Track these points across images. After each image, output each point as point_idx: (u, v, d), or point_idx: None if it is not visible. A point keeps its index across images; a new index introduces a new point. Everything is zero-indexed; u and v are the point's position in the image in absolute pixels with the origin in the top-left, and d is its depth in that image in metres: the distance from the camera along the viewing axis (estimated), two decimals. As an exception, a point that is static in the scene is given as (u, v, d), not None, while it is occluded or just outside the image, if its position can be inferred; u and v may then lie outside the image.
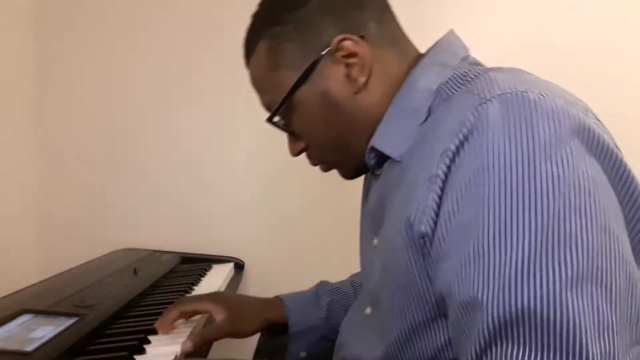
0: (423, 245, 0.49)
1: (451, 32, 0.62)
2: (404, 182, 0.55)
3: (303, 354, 0.82)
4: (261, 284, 1.40)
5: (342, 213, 1.41)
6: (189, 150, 1.42)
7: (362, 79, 0.58)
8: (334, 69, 0.59)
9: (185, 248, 1.38)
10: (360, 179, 0.75)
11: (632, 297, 0.42)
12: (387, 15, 0.62)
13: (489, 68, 0.55)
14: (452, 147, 0.46)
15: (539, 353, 0.38)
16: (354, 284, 0.88)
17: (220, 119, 1.41)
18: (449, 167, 0.47)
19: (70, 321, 0.71)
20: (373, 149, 0.60)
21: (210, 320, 0.77)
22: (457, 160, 0.46)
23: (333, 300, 0.84)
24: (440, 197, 0.47)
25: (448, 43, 0.60)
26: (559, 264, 0.39)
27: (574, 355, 0.37)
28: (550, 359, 0.37)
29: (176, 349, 0.69)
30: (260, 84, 0.65)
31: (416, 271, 0.50)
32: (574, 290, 0.38)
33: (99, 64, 1.40)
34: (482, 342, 0.40)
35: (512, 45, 1.33)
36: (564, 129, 0.44)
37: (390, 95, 0.59)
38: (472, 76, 0.53)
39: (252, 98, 0.67)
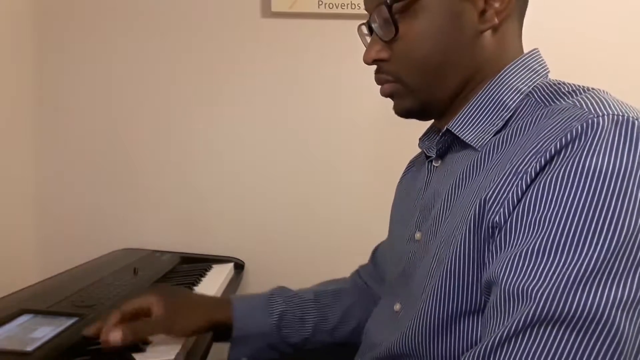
0: (490, 235, 0.49)
1: (536, 50, 0.62)
2: (481, 172, 0.55)
3: None
4: (261, 284, 1.39)
5: (342, 213, 1.42)
6: (189, 151, 1.42)
7: (495, 21, 0.58)
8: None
9: (185, 248, 1.38)
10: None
11: None
12: (526, 3, 0.63)
13: (585, 87, 0.55)
14: (552, 149, 0.46)
15: (573, 352, 0.38)
16: (318, 294, 0.85)
17: (220, 120, 1.41)
18: (542, 167, 0.47)
19: (70, 321, 0.71)
20: (449, 132, 0.60)
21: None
22: (553, 162, 0.46)
23: (287, 309, 0.80)
24: (524, 193, 0.47)
25: (537, 55, 0.61)
26: (621, 285, 0.40)
27: None
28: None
29: (176, 348, 0.69)
30: None
31: (474, 258, 0.51)
32: (629, 313, 0.39)
33: (99, 64, 1.40)
34: (519, 325, 0.41)
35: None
36: None
37: (495, 62, 0.59)
38: (569, 91, 0.54)
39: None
